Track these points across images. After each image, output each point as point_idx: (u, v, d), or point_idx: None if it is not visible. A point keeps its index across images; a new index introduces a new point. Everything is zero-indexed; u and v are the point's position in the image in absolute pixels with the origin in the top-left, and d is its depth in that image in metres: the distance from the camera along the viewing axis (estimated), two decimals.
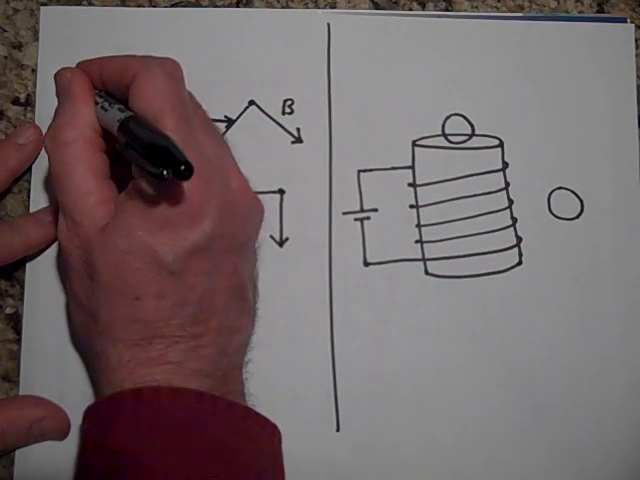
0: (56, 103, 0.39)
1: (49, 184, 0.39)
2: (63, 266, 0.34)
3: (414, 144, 0.40)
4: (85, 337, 0.34)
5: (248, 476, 0.31)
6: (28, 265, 0.39)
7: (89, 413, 0.32)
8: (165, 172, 0.29)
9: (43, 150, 0.39)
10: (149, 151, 0.30)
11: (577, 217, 0.40)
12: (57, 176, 0.33)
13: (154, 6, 0.41)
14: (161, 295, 0.31)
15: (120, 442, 0.30)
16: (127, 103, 0.34)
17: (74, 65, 0.36)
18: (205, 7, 0.41)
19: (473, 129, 0.41)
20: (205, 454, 0.30)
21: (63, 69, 0.36)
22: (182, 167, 0.29)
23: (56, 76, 0.36)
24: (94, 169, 0.34)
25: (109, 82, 0.35)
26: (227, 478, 0.30)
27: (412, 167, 0.40)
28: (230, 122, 0.40)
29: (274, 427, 0.33)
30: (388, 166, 0.40)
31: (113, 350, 0.32)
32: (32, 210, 0.39)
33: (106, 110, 0.34)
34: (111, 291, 0.32)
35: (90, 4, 0.41)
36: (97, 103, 0.35)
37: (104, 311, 0.32)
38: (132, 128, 0.32)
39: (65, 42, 0.40)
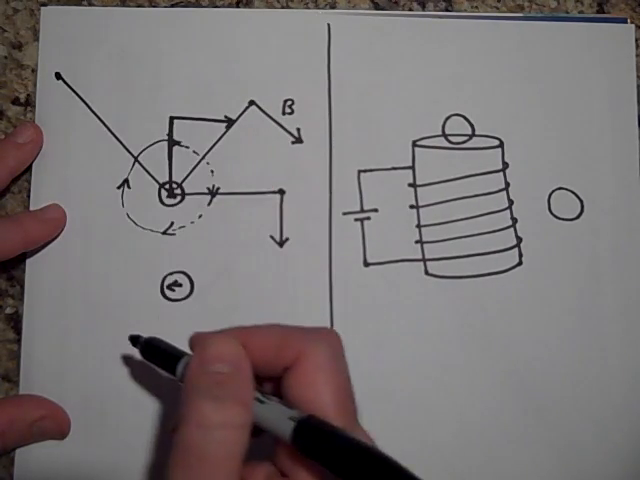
0: (57, 103, 0.40)
1: (49, 184, 0.39)
2: None
3: (414, 144, 0.40)
4: None
5: None
6: (28, 265, 0.39)
7: None
8: None
9: (43, 149, 0.39)
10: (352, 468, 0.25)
11: (577, 217, 0.40)
12: (205, 456, 0.26)
13: (154, 6, 0.41)
14: None
15: None
16: (268, 386, 0.30)
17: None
18: (205, 7, 0.41)
19: (473, 129, 0.41)
20: None
21: (227, 340, 0.29)
22: None
23: (212, 345, 0.28)
24: (243, 454, 0.27)
25: (258, 360, 0.29)
26: None
27: (412, 167, 0.40)
28: (230, 122, 0.40)
29: None
30: (388, 166, 0.40)
31: None
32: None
33: (262, 402, 0.28)
34: None
35: (90, 4, 0.41)
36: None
37: None
38: (317, 436, 0.26)
39: (65, 42, 0.40)
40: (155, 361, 0.33)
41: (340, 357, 0.29)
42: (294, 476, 0.27)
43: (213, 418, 0.26)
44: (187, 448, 0.26)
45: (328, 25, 0.41)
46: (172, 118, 0.40)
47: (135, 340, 0.34)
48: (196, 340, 0.30)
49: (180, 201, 0.40)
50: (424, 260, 0.40)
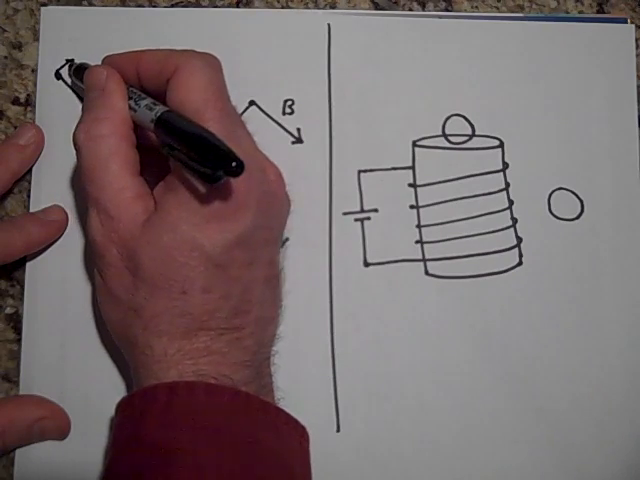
0: (57, 103, 0.40)
1: (49, 184, 0.39)
2: (96, 263, 0.34)
3: (414, 144, 0.40)
4: (124, 332, 0.34)
5: (279, 474, 0.31)
6: (28, 265, 0.39)
7: (122, 405, 0.32)
8: (219, 173, 0.29)
9: (44, 151, 0.39)
10: (197, 149, 0.30)
11: (577, 218, 0.40)
12: (90, 170, 0.33)
13: (154, 6, 0.41)
14: (208, 289, 0.32)
15: (152, 435, 0.30)
16: (161, 98, 0.34)
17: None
18: (205, 7, 0.41)
19: (473, 129, 0.41)
20: (237, 451, 0.30)
21: (97, 66, 0.36)
22: (234, 165, 0.29)
23: (88, 72, 0.36)
24: (129, 165, 0.33)
25: (146, 76, 0.35)
26: (257, 475, 0.30)
27: (412, 167, 0.40)
28: None
29: (303, 429, 0.34)
30: (388, 166, 0.40)
31: (158, 343, 0.32)
32: (32, 210, 0.39)
33: (138, 105, 0.34)
34: (157, 286, 0.32)
35: (90, 4, 0.41)
36: (130, 98, 0.34)
37: (149, 306, 0.32)
38: (173, 123, 0.32)
39: (65, 42, 0.40)
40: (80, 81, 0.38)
41: (214, 68, 0.34)
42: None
43: (80, 132, 0.34)
44: (82, 169, 0.34)
45: (328, 25, 0.41)
46: None
47: (70, 66, 0.39)
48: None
49: None
50: (424, 260, 0.40)
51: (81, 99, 0.40)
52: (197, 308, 0.32)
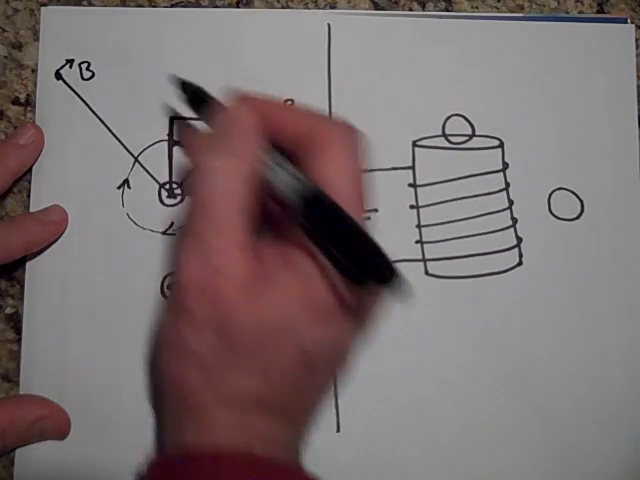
0: (57, 103, 0.40)
1: (49, 184, 0.39)
2: (174, 307, 0.31)
3: (414, 144, 0.40)
4: (180, 385, 0.31)
5: None
6: (28, 265, 0.39)
7: (159, 467, 0.30)
8: (367, 277, 0.27)
9: (44, 151, 0.39)
10: (351, 247, 0.28)
11: (577, 218, 0.40)
12: (207, 204, 0.30)
13: (154, 6, 0.41)
14: (287, 378, 0.30)
15: None
16: (289, 158, 0.31)
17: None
18: (205, 7, 0.41)
19: (473, 129, 0.41)
20: None
21: (242, 104, 0.32)
22: (387, 275, 0.27)
23: (233, 109, 0.32)
24: (248, 215, 0.30)
25: (286, 134, 0.32)
26: None
27: (412, 167, 0.40)
28: None
29: None
30: (388, 166, 0.40)
31: (222, 413, 0.30)
32: (32, 210, 0.39)
33: (279, 166, 0.30)
34: (241, 360, 0.29)
35: (90, 4, 0.41)
36: (266, 154, 0.31)
37: (227, 375, 0.30)
38: (327, 208, 0.29)
39: (65, 42, 0.40)
40: (196, 108, 0.36)
41: (362, 152, 0.31)
42: (297, 243, 0.30)
43: (210, 164, 0.30)
44: (192, 199, 0.30)
45: (328, 25, 0.41)
46: (172, 118, 0.40)
47: (183, 84, 0.36)
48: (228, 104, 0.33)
49: (180, 201, 0.40)
50: (424, 260, 0.40)
51: (83, 102, 0.40)
52: (269, 392, 0.30)
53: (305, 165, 0.31)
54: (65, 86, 0.40)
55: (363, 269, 0.27)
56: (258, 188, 0.31)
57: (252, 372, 0.30)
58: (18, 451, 0.37)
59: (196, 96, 0.36)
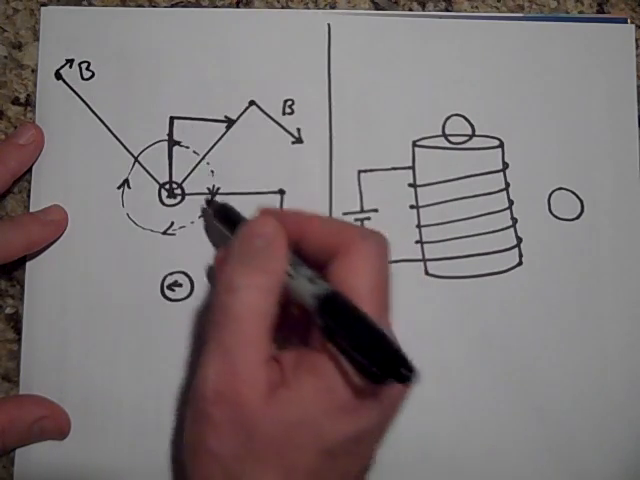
0: (57, 103, 0.40)
1: (49, 184, 0.39)
2: (196, 416, 0.31)
3: (414, 144, 0.40)
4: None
5: None
6: (28, 265, 0.39)
7: None
8: (388, 378, 0.27)
9: (44, 151, 0.39)
10: (369, 347, 0.28)
11: (577, 218, 0.40)
12: (233, 317, 0.31)
13: (154, 6, 0.41)
14: (309, 474, 0.30)
15: None
16: (313, 266, 0.32)
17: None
18: (205, 7, 0.41)
19: (473, 129, 0.41)
20: None
21: (267, 218, 0.33)
22: (406, 373, 0.27)
23: (257, 222, 0.33)
24: (272, 327, 0.31)
25: (311, 243, 0.33)
26: None
27: (412, 167, 0.40)
28: (230, 122, 0.40)
29: None
30: (388, 166, 0.40)
31: None
32: (32, 210, 0.39)
33: (297, 272, 0.32)
34: (264, 462, 0.30)
35: (90, 4, 0.41)
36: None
37: (247, 478, 0.30)
38: (344, 310, 0.30)
39: (65, 42, 0.40)
40: (223, 223, 0.37)
41: (385, 256, 0.33)
42: (319, 348, 0.30)
43: (237, 280, 0.31)
44: (217, 308, 0.31)
45: (328, 25, 0.41)
46: (172, 118, 0.40)
47: (209, 202, 0.38)
48: (252, 217, 0.34)
49: (180, 201, 0.40)
50: (424, 260, 0.40)
51: (83, 102, 0.40)
52: None
53: (329, 270, 0.32)
54: (65, 86, 0.40)
55: (382, 370, 0.28)
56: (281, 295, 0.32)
57: (274, 474, 0.30)
58: (18, 451, 0.37)
59: (221, 212, 0.37)
